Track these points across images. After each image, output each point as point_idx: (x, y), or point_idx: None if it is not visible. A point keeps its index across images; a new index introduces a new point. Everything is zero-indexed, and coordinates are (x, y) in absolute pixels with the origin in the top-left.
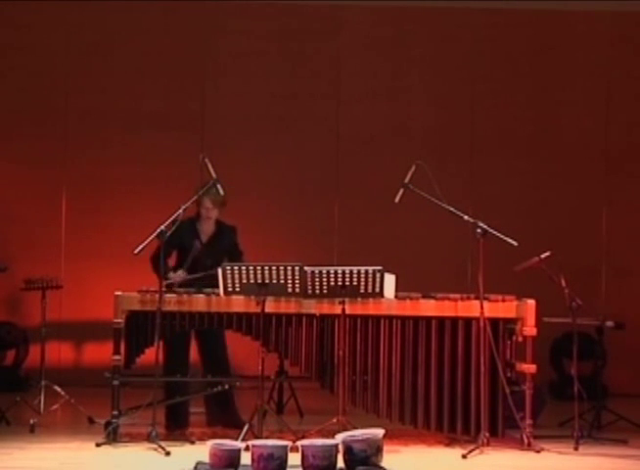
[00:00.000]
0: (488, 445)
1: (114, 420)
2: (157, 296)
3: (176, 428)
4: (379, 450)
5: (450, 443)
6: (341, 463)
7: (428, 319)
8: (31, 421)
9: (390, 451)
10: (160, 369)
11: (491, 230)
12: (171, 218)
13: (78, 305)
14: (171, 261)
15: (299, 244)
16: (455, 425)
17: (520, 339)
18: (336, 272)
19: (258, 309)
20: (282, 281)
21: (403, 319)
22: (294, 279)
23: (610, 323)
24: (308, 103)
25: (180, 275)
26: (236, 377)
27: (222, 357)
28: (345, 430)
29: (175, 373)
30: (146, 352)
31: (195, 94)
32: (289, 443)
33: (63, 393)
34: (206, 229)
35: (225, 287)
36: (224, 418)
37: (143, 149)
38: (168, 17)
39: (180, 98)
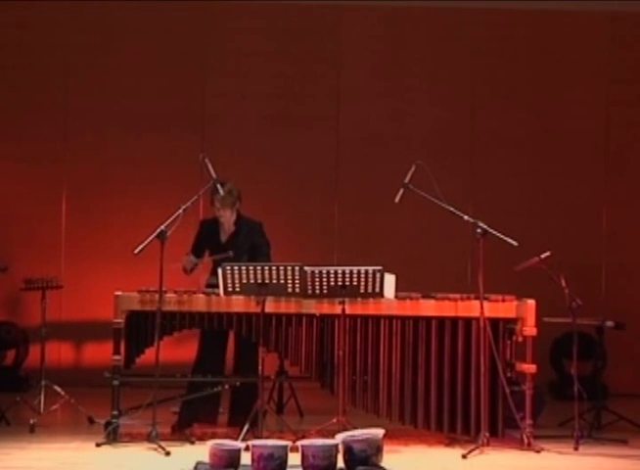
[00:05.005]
0: (488, 445)
1: (114, 420)
2: (157, 296)
3: (207, 424)
4: (379, 450)
5: (450, 443)
6: (341, 463)
7: (428, 319)
8: (31, 421)
9: (390, 451)
10: (168, 367)
11: (491, 230)
12: (171, 218)
13: (78, 305)
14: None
15: (299, 244)
16: (455, 425)
17: (520, 339)
18: (336, 272)
19: (258, 309)
20: (282, 281)
21: (403, 319)
22: (294, 279)
23: (610, 323)
24: (308, 103)
25: (189, 260)
26: (236, 377)
27: (252, 363)
28: (345, 430)
29: (204, 371)
30: (146, 352)
31: (195, 94)
32: (289, 443)
33: (63, 393)
34: (227, 228)
35: (225, 287)
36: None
37: (143, 149)
38: (168, 16)
39: (180, 98)
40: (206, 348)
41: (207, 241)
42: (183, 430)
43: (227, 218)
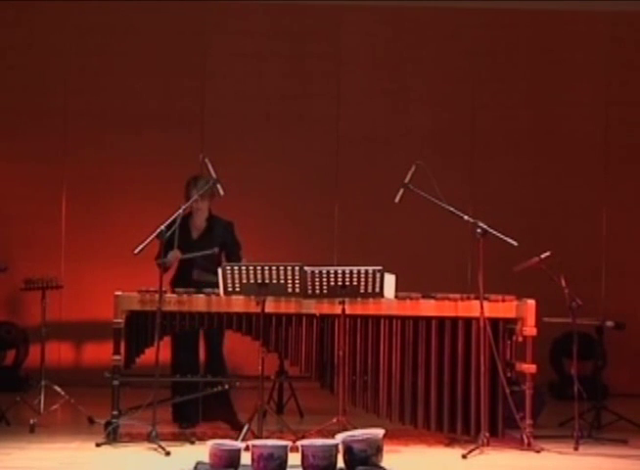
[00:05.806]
0: (488, 445)
1: (114, 420)
2: (157, 296)
3: (187, 425)
4: (379, 450)
5: (450, 443)
6: (341, 463)
7: (428, 319)
8: (31, 421)
9: (390, 451)
10: (168, 367)
11: (491, 230)
12: (171, 218)
13: (78, 305)
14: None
15: (299, 244)
16: (455, 425)
17: (520, 339)
18: (336, 272)
19: (258, 309)
20: (282, 281)
21: (403, 319)
22: (294, 279)
23: (610, 323)
24: (308, 103)
25: (174, 255)
26: (235, 377)
27: (219, 356)
28: (345, 430)
29: (181, 371)
30: (146, 351)
31: (195, 94)
32: (289, 443)
33: (63, 393)
34: (198, 224)
35: (225, 287)
36: (220, 413)
37: (143, 149)
38: (168, 17)
39: (180, 98)
40: (182, 349)
41: (178, 238)
42: (189, 428)
43: (202, 212)
